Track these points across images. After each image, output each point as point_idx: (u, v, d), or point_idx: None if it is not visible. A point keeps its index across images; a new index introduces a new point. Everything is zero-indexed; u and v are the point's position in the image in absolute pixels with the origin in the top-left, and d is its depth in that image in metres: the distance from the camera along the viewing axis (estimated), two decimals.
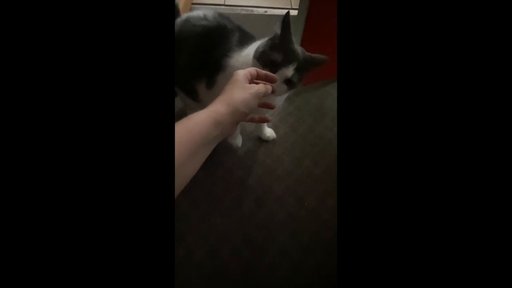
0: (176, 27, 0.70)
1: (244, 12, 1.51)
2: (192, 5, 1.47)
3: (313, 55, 0.59)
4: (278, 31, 0.56)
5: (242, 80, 0.42)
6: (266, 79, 0.47)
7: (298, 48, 0.59)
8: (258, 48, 0.59)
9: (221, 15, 0.71)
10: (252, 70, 0.45)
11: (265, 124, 0.93)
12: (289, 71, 0.57)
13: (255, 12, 1.51)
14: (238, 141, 0.90)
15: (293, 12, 1.46)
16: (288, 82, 0.58)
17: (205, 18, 0.69)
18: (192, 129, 0.34)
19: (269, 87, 0.45)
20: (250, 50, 0.63)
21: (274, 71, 0.53)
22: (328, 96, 1.11)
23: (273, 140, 0.96)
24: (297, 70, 0.57)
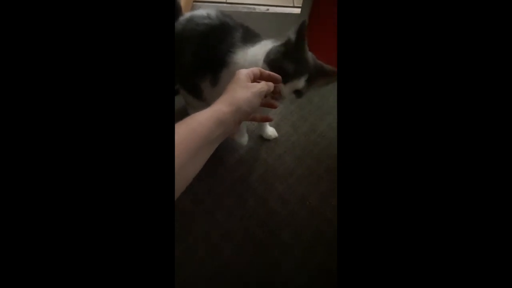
0: (180, 26, 0.70)
1: (245, 10, 1.50)
2: (194, 3, 1.47)
3: (324, 65, 0.58)
4: (292, 36, 0.54)
5: (244, 79, 0.42)
6: (270, 79, 0.46)
7: (310, 57, 0.58)
8: (269, 53, 0.58)
9: (224, 13, 0.71)
10: (255, 69, 0.44)
11: (267, 122, 0.93)
12: (300, 83, 0.56)
13: (257, 10, 1.51)
14: (244, 139, 0.90)
15: (295, 11, 1.47)
16: (297, 91, 0.58)
17: (208, 17, 0.69)
18: (195, 128, 0.34)
19: (271, 85, 0.45)
20: (257, 50, 0.62)
21: (285, 81, 0.52)
22: (330, 95, 1.11)
23: (275, 139, 0.96)
24: (307, 80, 0.56)
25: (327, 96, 1.10)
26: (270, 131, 0.95)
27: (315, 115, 1.04)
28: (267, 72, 0.46)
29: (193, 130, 0.34)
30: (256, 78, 0.45)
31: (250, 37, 0.66)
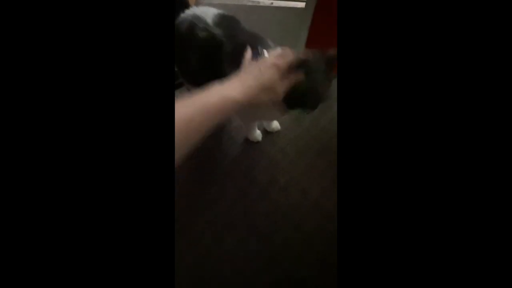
0: (183, 26, 0.70)
1: (250, 3, 1.50)
2: None
3: (324, 54, 0.59)
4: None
5: (276, 77, 0.44)
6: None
7: (319, 75, 0.59)
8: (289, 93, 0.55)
9: (223, 17, 0.69)
10: (289, 61, 0.46)
11: None
12: None
13: (261, 4, 1.50)
14: (257, 135, 0.92)
15: (300, 5, 1.46)
16: None
17: (205, 28, 0.66)
18: (210, 111, 0.37)
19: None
20: None
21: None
22: (332, 90, 1.11)
23: (278, 132, 0.97)
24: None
25: (330, 90, 1.10)
26: (274, 123, 0.96)
27: (318, 109, 1.04)
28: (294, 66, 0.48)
29: (207, 112, 0.37)
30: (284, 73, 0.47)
31: (240, 58, 0.57)
